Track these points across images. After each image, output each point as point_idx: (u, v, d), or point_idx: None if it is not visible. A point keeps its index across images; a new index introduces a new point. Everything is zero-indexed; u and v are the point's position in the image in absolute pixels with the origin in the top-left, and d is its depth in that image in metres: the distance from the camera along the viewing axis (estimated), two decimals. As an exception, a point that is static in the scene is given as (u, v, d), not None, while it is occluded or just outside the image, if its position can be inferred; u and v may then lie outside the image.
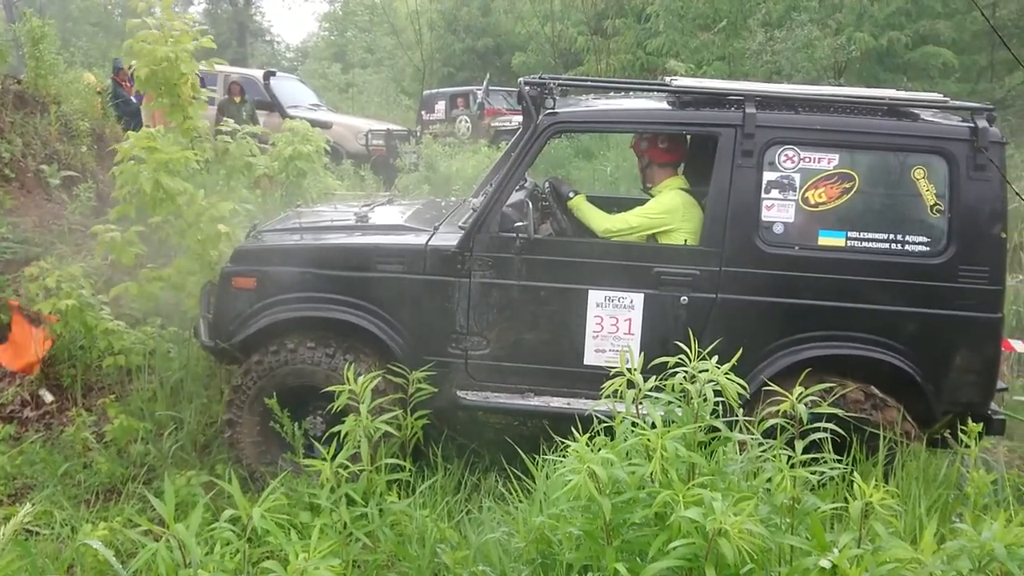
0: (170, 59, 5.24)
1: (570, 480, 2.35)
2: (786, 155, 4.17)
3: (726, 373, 2.49)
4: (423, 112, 20.54)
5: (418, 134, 15.68)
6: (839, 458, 2.86)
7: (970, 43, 16.65)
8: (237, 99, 12.60)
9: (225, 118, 10.42)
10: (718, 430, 2.56)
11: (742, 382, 2.52)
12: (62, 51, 14.03)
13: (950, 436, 4.29)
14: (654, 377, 2.65)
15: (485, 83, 18.83)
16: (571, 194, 4.87)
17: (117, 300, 5.84)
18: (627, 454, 2.47)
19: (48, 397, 5.72)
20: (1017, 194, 4.56)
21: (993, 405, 4.38)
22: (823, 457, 2.63)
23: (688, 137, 4.90)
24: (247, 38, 40.30)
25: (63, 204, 7.87)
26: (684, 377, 2.53)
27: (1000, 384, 4.46)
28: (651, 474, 2.29)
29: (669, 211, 4.55)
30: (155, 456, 4.85)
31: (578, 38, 21.62)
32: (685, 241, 4.45)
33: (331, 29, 39.79)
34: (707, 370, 2.52)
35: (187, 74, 5.38)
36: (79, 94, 9.87)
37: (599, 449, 2.46)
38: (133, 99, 11.87)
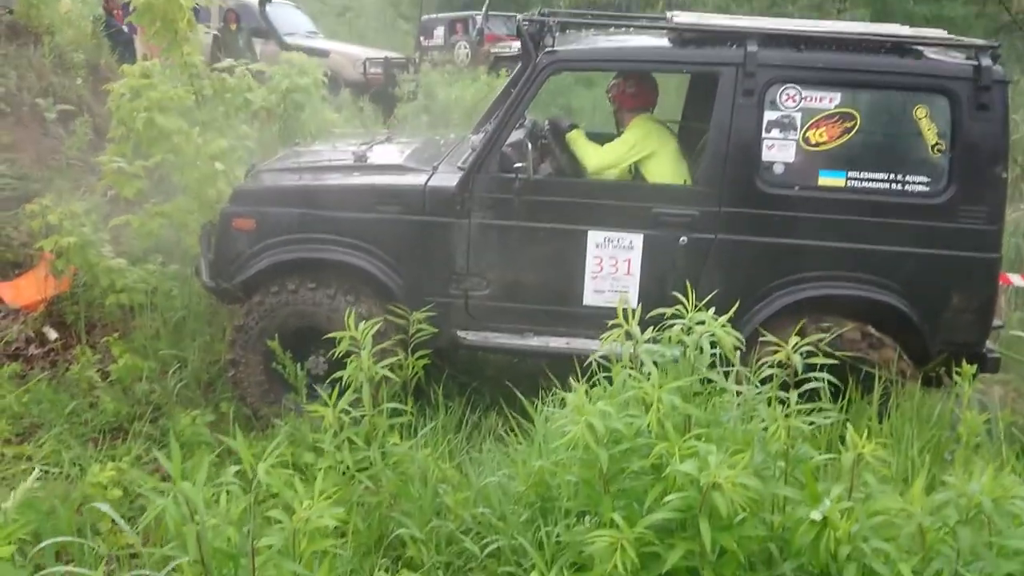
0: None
1: (568, 430, 2.39)
2: (787, 94, 4.13)
3: (723, 324, 2.51)
4: (421, 38, 20.23)
5: (416, 61, 15.49)
6: (832, 405, 2.90)
7: (979, -35, 16.32)
8: (233, 27, 12.42)
9: (220, 50, 10.35)
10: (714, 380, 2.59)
11: (738, 335, 2.55)
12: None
13: (945, 374, 4.34)
14: (651, 328, 2.68)
15: (485, 8, 18.52)
16: (570, 128, 4.86)
17: (117, 237, 5.85)
18: (624, 403, 2.50)
19: (52, 335, 5.76)
20: None
21: (989, 343, 4.43)
22: (817, 406, 2.67)
23: (656, 83, 4.91)
24: (241, -41, 39.36)
25: (60, 139, 7.80)
26: (681, 328, 2.56)
27: (996, 322, 4.49)
28: (648, 425, 2.33)
29: (642, 137, 4.61)
30: (160, 394, 4.91)
31: (579, -42, 21.18)
32: (673, 173, 4.46)
33: (327, -50, 38.84)
34: (704, 321, 2.54)
35: (185, 8, 5.29)
36: (72, 24, 9.71)
37: (596, 400, 2.50)
38: (125, 29, 11.68)
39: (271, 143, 7.02)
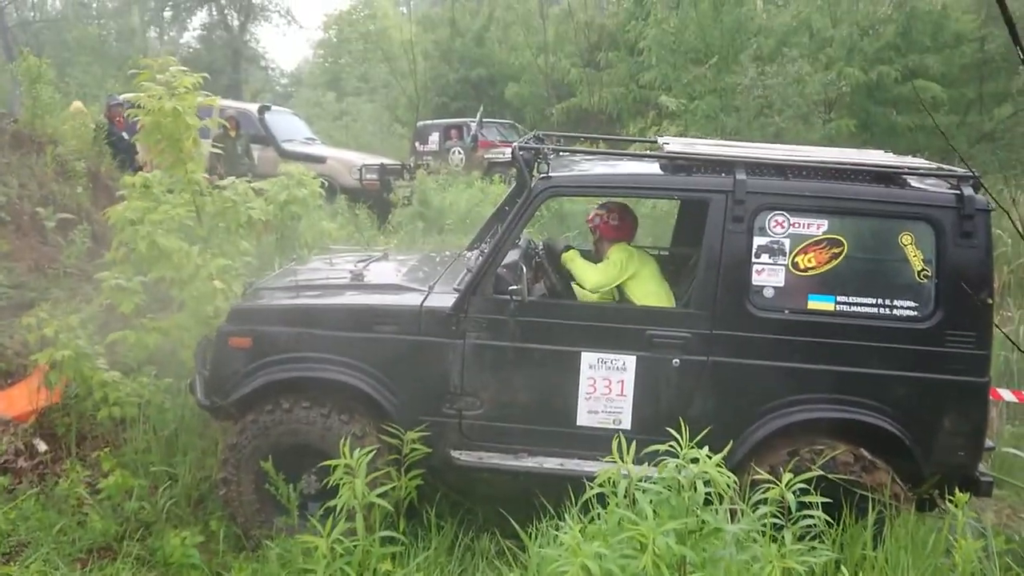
0: (176, 112, 5.31)
1: (564, 570, 2.39)
2: (776, 220, 4.25)
3: (717, 464, 2.54)
4: (417, 143, 20.65)
5: (411, 166, 15.77)
6: (827, 531, 2.90)
7: (958, 76, 16.83)
8: (232, 133, 12.67)
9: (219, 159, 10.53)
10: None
11: (732, 475, 2.57)
12: (57, 81, 14.13)
13: (939, 497, 4.34)
14: (646, 464, 2.70)
15: (479, 115, 18.98)
16: (565, 249, 4.97)
17: (111, 348, 5.87)
18: (619, 543, 2.51)
19: (42, 447, 5.71)
20: (1018, 229, 4.41)
21: (981, 466, 4.44)
22: (811, 542, 2.67)
23: (636, 217, 5.10)
24: (241, 64, 40.42)
25: (59, 247, 7.89)
26: (675, 466, 2.58)
27: (988, 443, 4.52)
28: (643, 568, 2.33)
29: (627, 259, 4.78)
30: (149, 512, 4.86)
31: (571, 70, 21.80)
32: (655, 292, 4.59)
33: (325, 56, 39.96)
34: (698, 459, 2.56)
35: (192, 128, 5.44)
36: (75, 134, 9.92)
37: (591, 537, 2.50)
38: (126, 136, 11.93)
39: (268, 254, 7.12)
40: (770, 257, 4.26)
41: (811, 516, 2.60)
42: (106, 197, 9.09)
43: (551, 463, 4.44)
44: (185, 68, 5.55)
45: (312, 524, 3.67)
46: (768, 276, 4.27)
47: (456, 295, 4.44)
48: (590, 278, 4.80)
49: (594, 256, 5.10)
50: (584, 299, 4.96)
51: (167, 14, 44.18)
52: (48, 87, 10.22)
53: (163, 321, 5.62)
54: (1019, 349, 4.86)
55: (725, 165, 4.36)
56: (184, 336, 5.48)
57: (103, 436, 5.69)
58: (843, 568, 2.36)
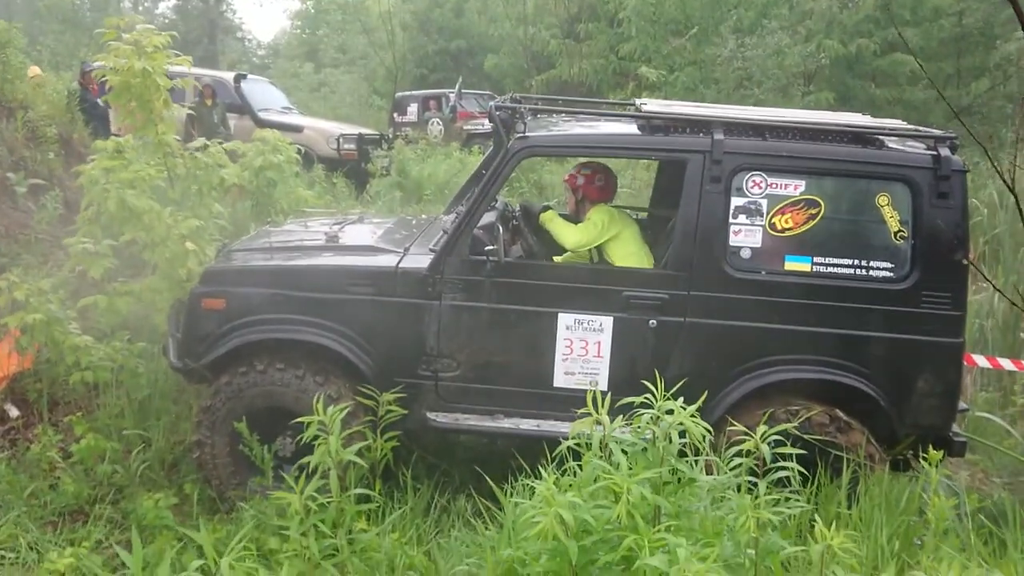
0: (145, 73, 5.21)
1: (538, 520, 2.37)
2: (753, 181, 4.23)
3: (692, 414, 2.52)
4: (395, 114, 20.54)
5: (390, 137, 15.66)
6: (802, 491, 2.90)
7: (937, 50, 16.87)
8: (208, 102, 12.52)
9: (194, 126, 10.41)
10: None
11: (707, 425, 2.56)
12: (29, 49, 13.90)
13: (913, 458, 4.36)
14: (620, 416, 2.69)
15: (458, 86, 18.86)
16: (543, 210, 4.93)
17: (84, 313, 5.79)
18: (594, 494, 2.49)
19: (13, 412, 5.65)
20: (1014, 194, 4.36)
21: (955, 427, 4.47)
22: (785, 494, 2.67)
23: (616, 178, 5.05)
24: (218, 35, 39.99)
25: (30, 213, 7.78)
26: (650, 419, 2.56)
27: (962, 405, 4.54)
28: (617, 516, 2.32)
29: (608, 220, 4.73)
30: (123, 476, 4.81)
31: (551, 41, 21.72)
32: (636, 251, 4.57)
33: (303, 27, 39.53)
34: (672, 410, 2.55)
35: (162, 88, 5.35)
36: (46, 98, 9.75)
37: (566, 489, 2.49)
38: (101, 103, 11.74)
39: (243, 220, 7.04)
40: (747, 218, 4.24)
41: (786, 468, 2.60)
42: (79, 163, 8.96)
43: (527, 424, 4.43)
44: (152, 26, 5.43)
45: (287, 486, 3.65)
46: (745, 237, 4.25)
47: (432, 256, 4.40)
48: (570, 237, 4.76)
49: (574, 218, 5.06)
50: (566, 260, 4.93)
51: (142, -18, 43.58)
52: (18, 52, 10.02)
53: (135, 285, 5.56)
54: (1013, 303, 4.83)
55: (703, 125, 4.33)
56: (157, 299, 5.41)
57: (76, 401, 5.64)
58: (818, 518, 2.35)
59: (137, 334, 5.81)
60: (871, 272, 4.23)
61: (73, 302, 5.76)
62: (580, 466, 2.69)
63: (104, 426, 5.18)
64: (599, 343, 4.33)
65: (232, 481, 4.53)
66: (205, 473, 4.58)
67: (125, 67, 5.16)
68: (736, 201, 4.24)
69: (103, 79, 5.47)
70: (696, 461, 2.68)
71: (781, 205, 4.22)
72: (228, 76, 14.98)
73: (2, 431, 5.54)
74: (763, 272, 4.26)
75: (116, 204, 4.82)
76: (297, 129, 13.92)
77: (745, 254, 4.27)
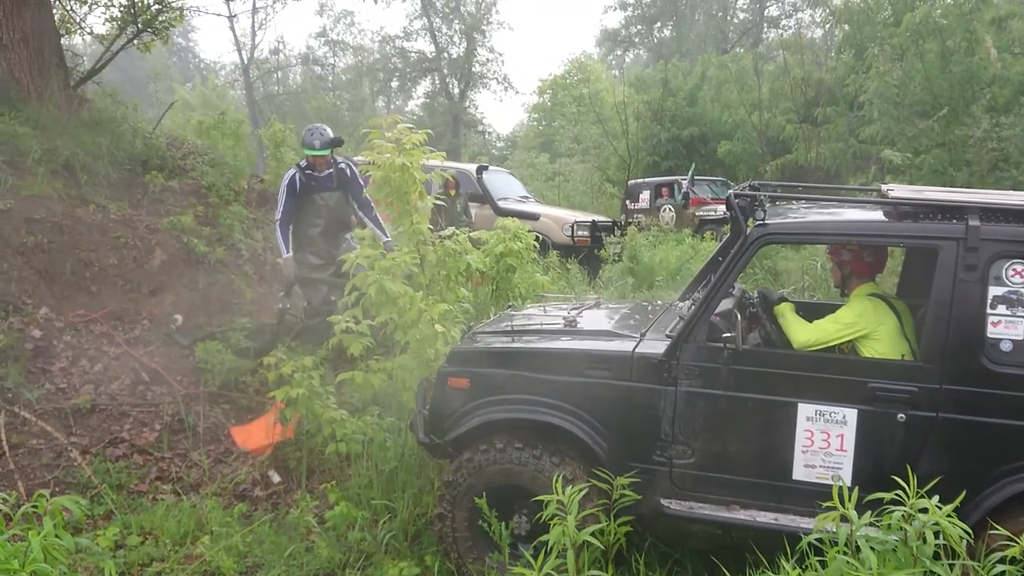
0: (404, 167, 5.69)
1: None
2: (1014, 270, 3.98)
3: (948, 513, 2.40)
4: (627, 201, 20.84)
5: (622, 224, 15.92)
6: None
7: None
8: (452, 192, 13.31)
9: (441, 214, 11.07)
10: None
11: (966, 527, 2.42)
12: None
13: None
14: (868, 512, 2.59)
15: (690, 172, 18.97)
16: (779, 300, 4.86)
17: (339, 387, 6.27)
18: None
19: (276, 478, 6.17)
20: None
21: None
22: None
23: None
24: (460, 129, 42.51)
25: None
26: (902, 516, 2.46)
27: None
28: (866, 619, 2.24)
29: (860, 315, 4.49)
30: (370, 543, 5.11)
31: (786, 126, 21.40)
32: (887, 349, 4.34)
33: (539, 120, 41.28)
34: (926, 509, 2.44)
35: (417, 181, 5.80)
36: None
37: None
38: (365, 196, 12.77)
39: (484, 304, 7.39)
40: (1008, 308, 3.99)
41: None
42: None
43: (765, 517, 4.30)
44: (411, 126, 5.92)
45: (523, 562, 3.74)
46: (1005, 328, 3.99)
47: (669, 342, 4.44)
48: (799, 335, 4.60)
49: (840, 290, 4.89)
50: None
51: (394, 84, 47.33)
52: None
53: (387, 363, 5.95)
54: None
55: (956, 210, 4.15)
56: (406, 377, 5.77)
57: (330, 470, 6.08)
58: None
59: (387, 410, 6.20)
60: None
61: (331, 377, 6.25)
62: (822, 562, 2.62)
63: (355, 495, 5.53)
64: (842, 436, 4.17)
65: (470, 555, 4.69)
66: (445, 546, 4.76)
67: (387, 162, 5.65)
68: (994, 291, 4.00)
69: (362, 170, 6.01)
70: (952, 565, 2.53)
71: (1046, 295, 3.94)
72: (471, 168, 15.86)
73: (266, 495, 6.05)
74: (1026, 367, 3.97)
75: (376, 290, 5.23)
76: (534, 217, 14.49)
77: (1005, 346, 4.00)
